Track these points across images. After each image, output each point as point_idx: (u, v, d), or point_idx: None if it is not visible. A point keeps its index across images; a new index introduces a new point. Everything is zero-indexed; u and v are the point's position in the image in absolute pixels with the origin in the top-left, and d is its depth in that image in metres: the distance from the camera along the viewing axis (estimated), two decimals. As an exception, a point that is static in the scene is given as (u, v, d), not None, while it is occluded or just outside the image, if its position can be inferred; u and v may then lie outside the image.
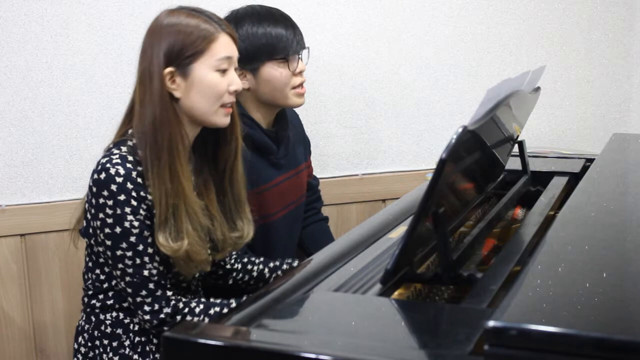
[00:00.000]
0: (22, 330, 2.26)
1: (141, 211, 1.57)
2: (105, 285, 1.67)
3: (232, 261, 1.87)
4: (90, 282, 1.69)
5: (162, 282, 1.60)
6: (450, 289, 1.34)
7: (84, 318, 1.71)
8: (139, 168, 1.57)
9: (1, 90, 2.19)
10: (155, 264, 1.59)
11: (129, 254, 1.57)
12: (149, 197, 1.57)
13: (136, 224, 1.56)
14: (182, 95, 1.61)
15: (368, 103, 2.61)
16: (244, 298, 1.67)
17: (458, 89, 2.70)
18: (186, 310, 1.61)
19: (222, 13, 1.98)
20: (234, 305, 1.64)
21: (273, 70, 1.95)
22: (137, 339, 1.67)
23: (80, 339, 1.70)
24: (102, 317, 1.68)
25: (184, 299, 1.63)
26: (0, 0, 2.15)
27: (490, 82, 1.41)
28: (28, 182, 2.25)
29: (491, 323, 0.89)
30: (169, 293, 1.61)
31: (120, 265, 1.58)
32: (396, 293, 1.25)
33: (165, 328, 1.59)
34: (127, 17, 2.28)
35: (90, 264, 1.68)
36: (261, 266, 1.89)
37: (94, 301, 1.68)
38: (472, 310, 1.12)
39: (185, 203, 1.59)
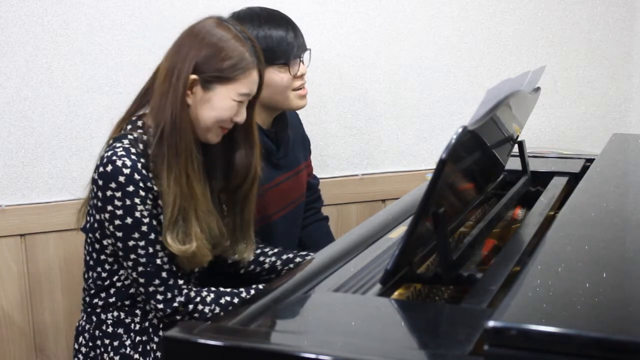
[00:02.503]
0: (22, 330, 2.26)
1: (148, 201, 1.59)
2: (107, 283, 1.67)
3: None
4: (91, 280, 1.69)
5: (174, 270, 1.62)
6: (450, 289, 1.34)
7: (84, 318, 1.72)
8: (142, 160, 1.58)
9: (1, 90, 2.19)
10: (167, 252, 1.61)
11: (142, 243, 1.58)
12: (155, 187, 1.59)
13: (146, 213, 1.58)
14: (193, 104, 1.62)
15: (368, 103, 2.61)
16: (253, 289, 1.69)
17: (458, 89, 2.70)
18: (198, 299, 1.63)
19: (223, 13, 1.98)
20: (244, 294, 1.67)
21: (274, 75, 1.94)
22: (137, 338, 1.67)
23: (80, 339, 1.71)
24: (103, 316, 1.68)
25: (195, 288, 1.65)
26: (0, 1, 2.15)
27: (490, 82, 1.42)
28: (28, 182, 2.25)
29: (491, 323, 0.89)
30: (181, 282, 1.63)
31: (132, 256, 1.59)
32: (396, 293, 1.25)
33: (178, 317, 1.62)
34: (127, 17, 2.28)
35: (91, 263, 1.68)
36: (273, 258, 1.89)
37: (95, 300, 1.69)
38: (472, 310, 1.12)
39: (196, 207, 1.62)
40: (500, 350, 0.90)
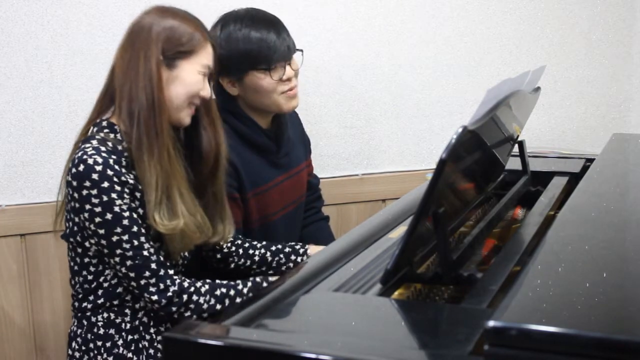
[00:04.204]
0: (22, 330, 2.26)
1: (125, 195, 1.59)
2: (94, 285, 1.67)
3: (229, 244, 1.88)
4: (78, 285, 1.69)
5: (162, 261, 1.62)
6: (450, 289, 1.34)
7: (75, 323, 1.71)
8: (114, 156, 1.59)
9: (1, 90, 2.19)
10: (152, 243, 1.62)
11: (125, 237, 1.58)
12: (130, 180, 1.59)
13: (125, 207, 1.58)
14: (163, 86, 1.64)
15: (368, 103, 2.61)
16: (249, 281, 1.68)
17: (458, 89, 2.70)
18: (192, 289, 1.62)
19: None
20: (240, 286, 1.66)
21: (256, 79, 1.91)
22: (129, 337, 1.67)
23: (73, 344, 1.70)
24: (93, 319, 1.68)
25: (188, 280, 1.64)
26: (1, 0, 2.15)
27: (490, 82, 1.41)
28: (28, 182, 2.25)
29: (491, 323, 0.89)
30: (171, 272, 1.63)
31: (118, 251, 1.58)
32: (396, 293, 1.25)
33: (173, 309, 1.61)
34: (127, 17, 2.25)
35: (75, 268, 1.68)
36: (263, 250, 1.90)
37: (84, 304, 1.68)
38: (472, 310, 1.12)
39: (179, 185, 1.63)
40: (500, 350, 0.90)
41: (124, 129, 1.62)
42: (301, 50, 1.99)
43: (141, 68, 1.61)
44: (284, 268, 1.90)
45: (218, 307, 1.63)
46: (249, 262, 1.89)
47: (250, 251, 1.89)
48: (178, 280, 1.62)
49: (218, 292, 1.65)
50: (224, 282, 1.68)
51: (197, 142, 1.74)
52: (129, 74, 1.62)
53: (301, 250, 1.92)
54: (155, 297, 1.60)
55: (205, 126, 1.75)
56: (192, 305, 1.62)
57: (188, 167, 1.73)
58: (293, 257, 1.91)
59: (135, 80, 1.61)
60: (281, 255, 1.90)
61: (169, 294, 1.60)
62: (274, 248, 1.91)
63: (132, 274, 1.60)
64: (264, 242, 1.92)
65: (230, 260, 1.89)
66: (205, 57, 1.68)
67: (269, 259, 1.90)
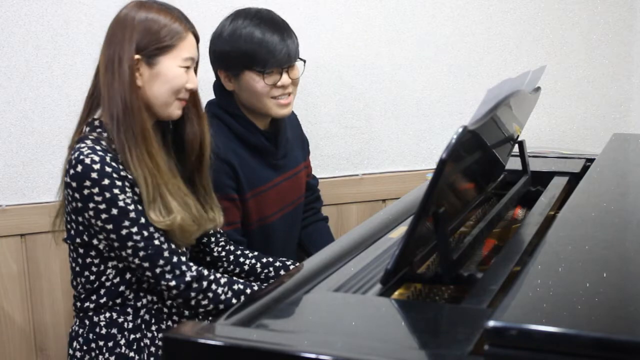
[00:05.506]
0: (22, 330, 2.26)
1: (127, 189, 1.59)
2: (96, 285, 1.67)
3: (220, 249, 1.88)
4: (80, 286, 1.69)
5: (174, 248, 1.63)
6: (450, 289, 1.34)
7: (77, 323, 1.72)
8: (110, 154, 1.59)
9: (1, 90, 2.19)
10: (162, 232, 1.62)
11: (135, 229, 1.58)
12: (129, 175, 1.60)
13: (129, 200, 1.59)
14: (144, 84, 1.64)
15: (368, 103, 2.61)
16: (263, 286, 1.69)
17: (458, 89, 2.70)
18: (212, 277, 1.63)
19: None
20: (255, 288, 1.67)
21: (251, 80, 1.91)
22: (132, 336, 1.68)
23: (75, 344, 1.70)
24: (95, 319, 1.68)
25: (207, 269, 1.65)
26: (1, 0, 2.15)
27: (490, 82, 1.41)
28: (28, 182, 2.25)
29: (491, 323, 0.89)
30: (184, 259, 1.63)
31: (129, 244, 1.59)
32: (396, 293, 1.25)
33: (192, 294, 1.61)
34: (127, 17, 2.27)
35: (77, 269, 1.68)
36: (254, 260, 1.90)
37: (87, 304, 1.69)
38: (472, 310, 1.12)
39: (166, 182, 1.64)
40: (500, 350, 0.90)
41: (109, 129, 1.63)
42: (304, 60, 1.98)
43: (116, 70, 1.61)
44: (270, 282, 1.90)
45: (234, 301, 1.63)
46: (237, 270, 1.89)
47: (241, 259, 1.89)
48: (195, 267, 1.63)
49: (236, 287, 1.65)
50: (240, 279, 1.69)
51: (182, 132, 1.75)
52: (107, 76, 1.63)
53: (291, 267, 1.91)
54: (172, 283, 1.60)
55: (191, 117, 1.75)
56: (210, 294, 1.62)
57: (177, 162, 1.73)
58: (282, 272, 1.90)
59: (112, 82, 1.62)
60: (270, 269, 1.89)
61: (187, 278, 1.60)
62: (264, 260, 1.91)
63: (146, 264, 1.60)
64: (256, 253, 1.92)
65: (219, 265, 1.88)
66: (186, 50, 1.66)
67: (258, 270, 1.89)
